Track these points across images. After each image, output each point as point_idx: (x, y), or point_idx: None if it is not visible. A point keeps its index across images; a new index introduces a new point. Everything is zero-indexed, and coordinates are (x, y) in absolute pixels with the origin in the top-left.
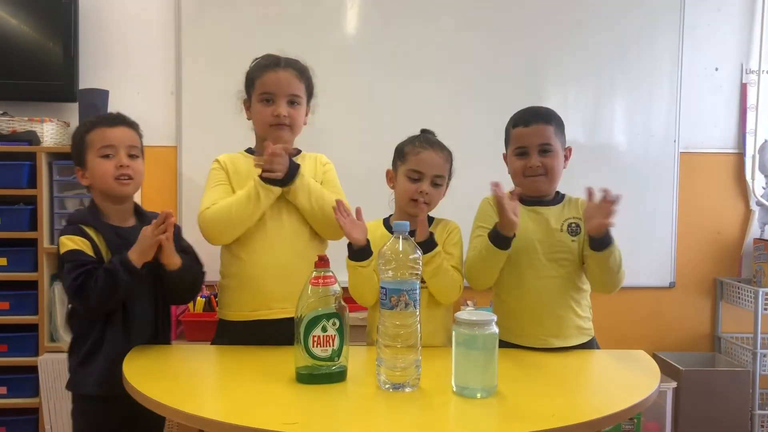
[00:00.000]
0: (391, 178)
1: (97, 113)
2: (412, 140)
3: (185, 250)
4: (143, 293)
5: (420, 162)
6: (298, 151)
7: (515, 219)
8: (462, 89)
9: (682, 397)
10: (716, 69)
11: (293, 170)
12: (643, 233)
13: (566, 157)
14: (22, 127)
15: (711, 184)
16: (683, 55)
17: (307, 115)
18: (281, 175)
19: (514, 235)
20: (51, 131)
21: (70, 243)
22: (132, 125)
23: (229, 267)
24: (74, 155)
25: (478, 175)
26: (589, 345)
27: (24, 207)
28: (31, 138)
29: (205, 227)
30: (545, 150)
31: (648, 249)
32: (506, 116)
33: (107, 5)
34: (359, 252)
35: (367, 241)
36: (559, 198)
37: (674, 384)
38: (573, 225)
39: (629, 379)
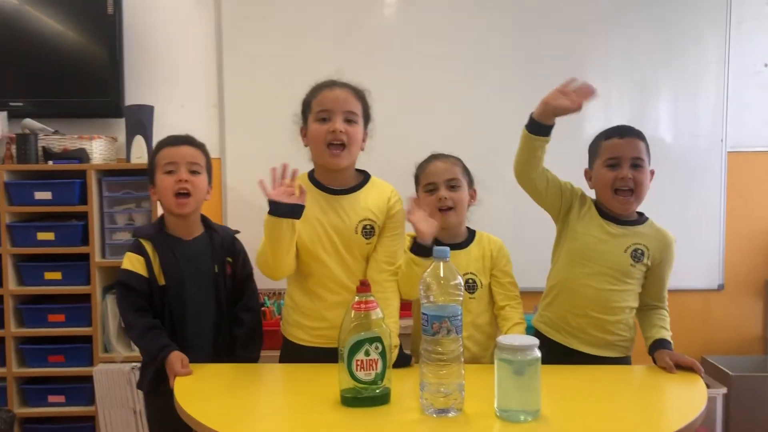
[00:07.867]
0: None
1: (143, 128)
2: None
3: (251, 309)
4: (203, 309)
5: (429, 174)
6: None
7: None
8: (500, 88)
9: (733, 402)
10: (765, 65)
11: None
12: (690, 235)
13: (650, 179)
14: (73, 144)
15: (760, 183)
16: (730, 51)
17: (364, 140)
18: None
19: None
20: (100, 148)
21: (126, 261)
22: (196, 144)
23: (293, 292)
24: (149, 174)
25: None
26: (624, 361)
27: (76, 223)
28: (81, 156)
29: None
30: (637, 164)
31: (696, 251)
32: None
33: (150, 20)
34: (422, 248)
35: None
36: (637, 220)
37: (724, 389)
38: (638, 251)
39: (675, 397)
